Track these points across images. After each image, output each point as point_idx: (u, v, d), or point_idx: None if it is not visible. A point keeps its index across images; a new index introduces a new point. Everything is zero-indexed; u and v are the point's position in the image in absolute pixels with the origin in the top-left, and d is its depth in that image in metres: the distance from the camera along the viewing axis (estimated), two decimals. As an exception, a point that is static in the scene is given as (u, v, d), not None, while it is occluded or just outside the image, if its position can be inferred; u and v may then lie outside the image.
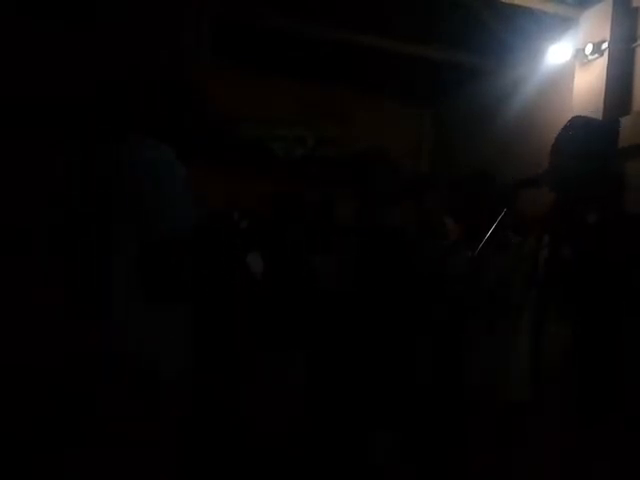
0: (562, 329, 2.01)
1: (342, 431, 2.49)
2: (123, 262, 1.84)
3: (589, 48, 4.49)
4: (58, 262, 1.95)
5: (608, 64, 4.40)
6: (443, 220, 2.79)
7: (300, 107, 6.46)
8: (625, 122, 4.09)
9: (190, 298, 1.99)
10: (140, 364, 1.85)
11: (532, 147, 4.22)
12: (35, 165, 2.92)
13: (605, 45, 4.42)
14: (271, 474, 2.64)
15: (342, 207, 2.94)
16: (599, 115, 4.26)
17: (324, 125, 6.61)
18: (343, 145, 6.14)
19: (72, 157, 2.08)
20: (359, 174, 2.67)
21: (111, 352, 1.82)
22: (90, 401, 1.82)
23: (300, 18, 5.08)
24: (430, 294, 2.52)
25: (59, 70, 3.25)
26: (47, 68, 3.24)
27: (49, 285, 2.03)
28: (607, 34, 4.42)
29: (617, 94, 4.36)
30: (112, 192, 1.87)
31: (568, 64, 4.80)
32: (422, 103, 6.97)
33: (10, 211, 2.87)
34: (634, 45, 4.39)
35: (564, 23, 4.82)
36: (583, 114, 2.58)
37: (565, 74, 4.85)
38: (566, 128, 2.14)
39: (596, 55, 4.47)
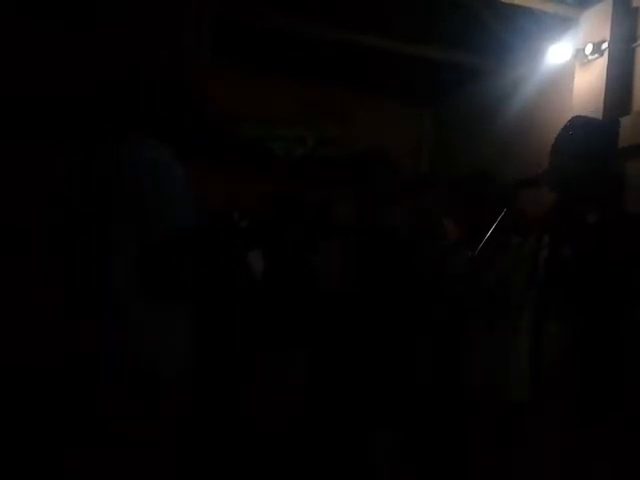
0: (562, 329, 2.01)
1: (342, 431, 2.49)
2: (123, 262, 1.84)
3: (589, 48, 4.50)
4: (58, 262, 1.95)
5: (608, 64, 4.40)
6: (441, 221, 2.79)
7: (300, 107, 6.46)
8: (625, 122, 4.09)
9: (190, 298, 1.99)
10: (140, 364, 1.85)
11: (532, 147, 4.22)
12: (35, 165, 2.92)
13: (605, 45, 4.42)
14: (271, 474, 2.64)
15: (342, 207, 2.94)
16: (599, 115, 4.26)
17: (324, 125, 6.61)
18: (343, 145, 6.14)
19: (72, 157, 2.08)
20: (359, 174, 2.67)
21: (111, 352, 1.82)
22: (90, 401, 1.82)
23: (300, 18, 5.08)
24: (430, 294, 2.52)
25: (59, 70, 3.25)
26: (47, 68, 3.24)
27: (49, 285, 2.03)
28: (607, 34, 4.42)
29: (617, 94, 4.36)
30: (112, 192, 1.87)
31: (568, 64, 4.80)
32: (422, 103, 6.97)
33: (10, 211, 2.87)
34: (634, 45, 4.40)
35: (564, 23, 4.82)
36: (583, 114, 2.58)
37: (565, 74, 4.85)
38: (566, 128, 2.14)
39: (596, 55, 4.47)
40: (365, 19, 5.09)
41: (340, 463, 2.50)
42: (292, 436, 2.65)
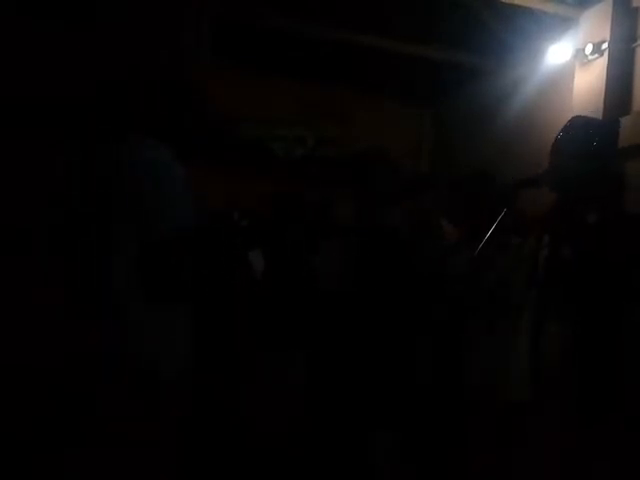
0: (562, 329, 2.01)
1: (342, 431, 2.49)
2: (123, 262, 1.84)
3: (589, 48, 4.50)
4: (58, 262, 1.95)
5: (608, 64, 4.40)
6: (439, 221, 2.79)
7: (300, 107, 6.46)
8: (625, 122, 4.09)
9: (190, 298, 1.99)
10: (140, 364, 1.85)
11: (532, 147, 4.22)
12: (35, 165, 2.92)
13: (605, 45, 4.42)
14: (271, 474, 2.64)
15: (342, 207, 2.94)
16: (599, 115, 4.26)
17: (324, 125, 6.61)
18: (343, 145, 6.14)
19: (72, 157, 2.08)
20: (359, 174, 2.67)
21: (111, 352, 1.82)
22: (90, 401, 1.82)
23: (300, 18, 5.08)
24: (430, 294, 2.52)
25: (59, 70, 3.25)
26: (47, 68, 3.24)
27: (49, 285, 2.03)
28: (607, 34, 4.42)
29: (617, 94, 4.36)
30: (112, 192, 1.87)
31: (568, 64, 4.80)
32: (422, 103, 6.97)
33: (10, 211, 2.87)
34: (634, 45, 4.40)
35: (564, 23, 4.82)
36: (583, 114, 2.58)
37: (565, 74, 4.85)
38: (566, 128, 2.14)
39: (596, 55, 4.47)
40: (365, 19, 5.09)
41: (340, 463, 2.50)
42: (292, 436, 2.65)
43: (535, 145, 3.80)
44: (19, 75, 3.18)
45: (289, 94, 6.36)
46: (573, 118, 2.19)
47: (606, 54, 4.41)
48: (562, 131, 2.14)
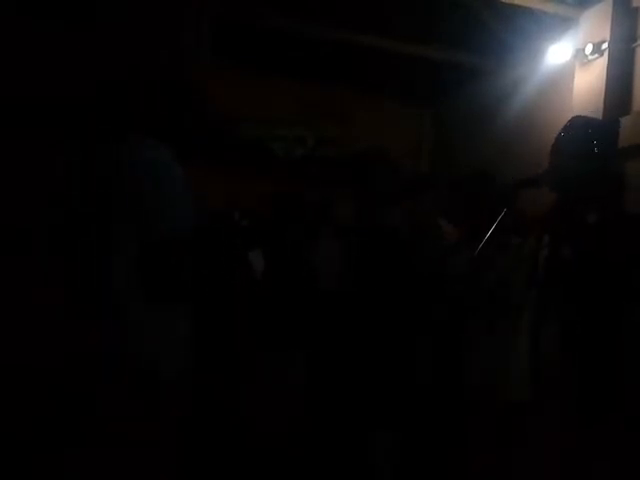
0: (562, 329, 2.01)
1: (342, 431, 2.49)
2: (123, 262, 1.84)
3: (589, 48, 4.50)
4: (58, 262, 1.95)
5: (608, 64, 4.40)
6: (438, 222, 2.79)
7: (300, 107, 6.46)
8: (625, 122, 4.09)
9: (190, 298, 1.99)
10: (140, 364, 1.85)
11: (532, 147, 4.22)
12: (35, 165, 2.92)
13: (605, 45, 4.42)
14: (271, 474, 2.64)
15: (342, 207, 2.94)
16: (599, 115, 4.26)
17: (324, 125, 6.61)
18: (343, 145, 6.14)
19: (72, 157, 2.08)
20: (359, 174, 2.67)
21: (111, 352, 1.82)
22: (90, 401, 1.82)
23: (300, 18, 5.08)
24: (430, 294, 2.52)
25: (59, 70, 3.25)
26: (47, 68, 3.24)
27: (49, 285, 2.02)
28: (607, 34, 4.42)
29: (617, 94, 4.36)
30: (112, 192, 1.87)
31: (568, 64, 4.80)
32: (422, 103, 6.97)
33: (10, 211, 2.87)
34: (634, 45, 4.40)
35: (564, 23, 4.82)
36: (583, 114, 2.58)
37: (565, 74, 4.85)
38: (566, 128, 2.14)
39: (596, 55, 4.47)
40: (365, 19, 5.09)
41: (340, 463, 2.50)
42: (292, 436, 2.65)
43: (535, 145, 3.80)
44: (19, 75, 3.18)
45: (289, 94, 6.36)
46: (573, 118, 2.19)
47: (606, 54, 4.41)
48: (562, 131, 2.14)
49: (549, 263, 2.07)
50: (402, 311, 2.49)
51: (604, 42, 4.42)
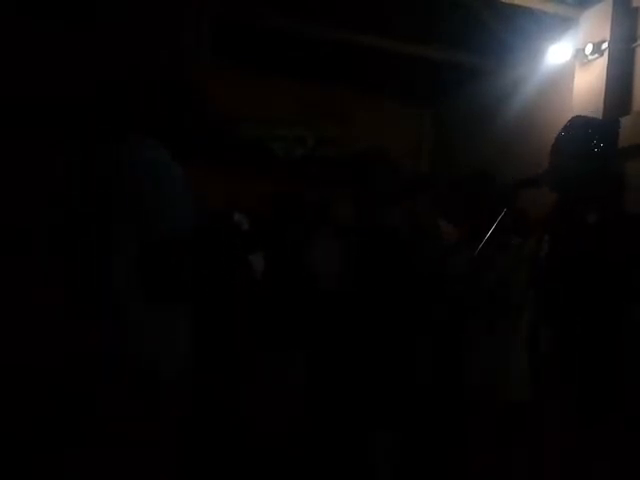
0: (562, 329, 2.01)
1: (342, 431, 2.49)
2: (123, 262, 1.84)
3: (589, 48, 4.50)
4: (58, 262, 1.95)
5: (608, 64, 4.40)
6: (438, 222, 2.79)
7: (300, 107, 6.46)
8: (625, 122, 4.09)
9: (190, 298, 1.99)
10: (140, 364, 1.85)
11: (532, 147, 4.22)
12: (35, 165, 2.92)
13: (605, 45, 4.42)
14: (271, 474, 2.64)
15: (342, 207, 2.94)
16: (599, 115, 4.26)
17: (324, 125, 6.61)
18: (343, 145, 6.14)
19: (72, 157, 2.08)
20: (359, 174, 2.67)
21: (111, 352, 1.82)
22: (90, 401, 1.82)
23: (300, 18, 5.08)
24: (430, 294, 2.52)
25: (59, 70, 3.25)
26: (47, 68, 3.24)
27: (49, 285, 2.03)
28: (607, 34, 4.43)
29: (617, 94, 4.36)
30: (112, 192, 1.87)
31: (568, 64, 4.80)
32: (422, 103, 6.97)
33: (10, 211, 2.87)
34: (634, 45, 4.40)
35: (564, 23, 4.83)
36: (583, 114, 2.57)
37: (565, 74, 4.85)
38: (566, 128, 2.14)
39: (596, 55, 4.47)
40: (365, 19, 5.09)
41: (340, 463, 2.50)
42: (292, 436, 2.65)
43: (535, 145, 3.80)
44: (19, 75, 3.18)
45: (289, 94, 6.37)
46: (573, 118, 2.19)
47: (606, 54, 4.42)
48: (562, 131, 2.14)
49: (549, 263, 2.07)
50: (402, 311, 2.49)
51: (604, 42, 4.42)
